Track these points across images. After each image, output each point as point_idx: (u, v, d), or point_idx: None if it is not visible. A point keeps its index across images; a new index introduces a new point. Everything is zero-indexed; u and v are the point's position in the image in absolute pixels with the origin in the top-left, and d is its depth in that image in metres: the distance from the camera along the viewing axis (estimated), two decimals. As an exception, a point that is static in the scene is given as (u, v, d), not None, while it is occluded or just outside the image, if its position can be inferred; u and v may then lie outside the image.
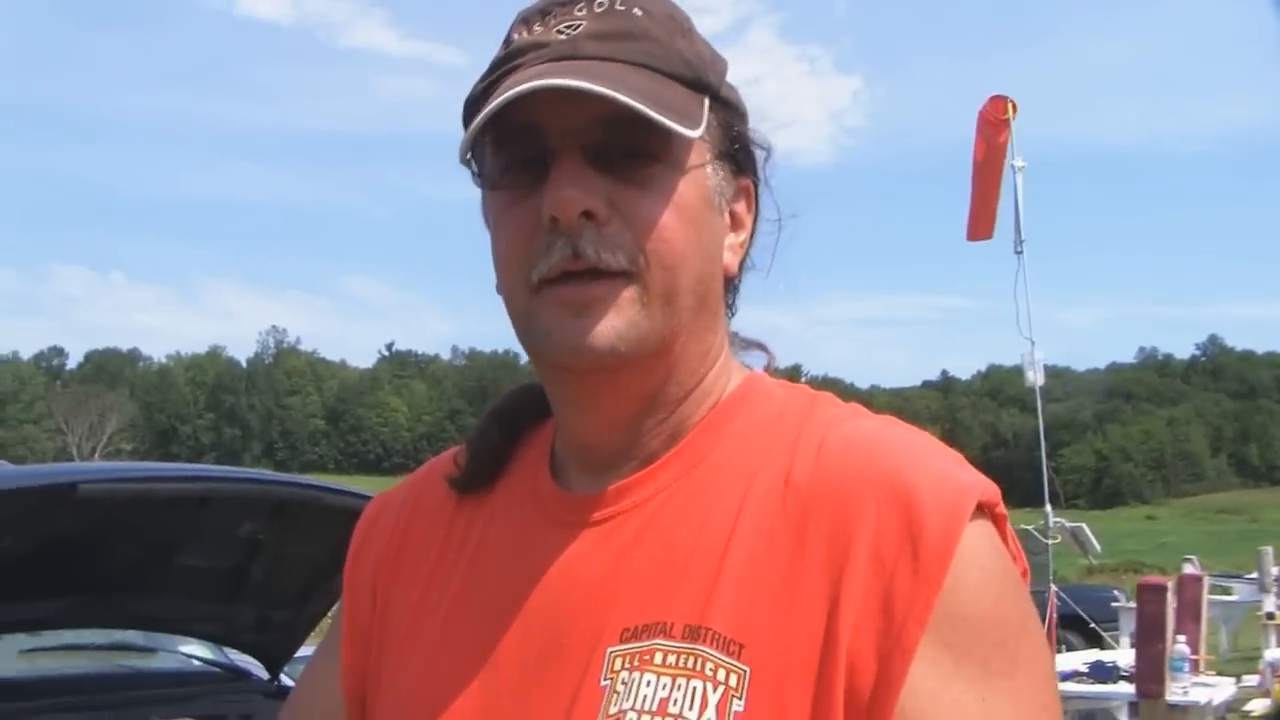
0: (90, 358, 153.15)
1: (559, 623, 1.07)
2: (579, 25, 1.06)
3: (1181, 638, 7.47)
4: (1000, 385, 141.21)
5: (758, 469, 1.06)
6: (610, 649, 1.03)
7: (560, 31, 1.06)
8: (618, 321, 1.04)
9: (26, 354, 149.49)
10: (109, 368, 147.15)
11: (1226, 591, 17.28)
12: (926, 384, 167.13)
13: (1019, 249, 10.05)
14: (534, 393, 1.23)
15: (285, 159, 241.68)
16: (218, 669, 4.45)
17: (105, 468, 3.76)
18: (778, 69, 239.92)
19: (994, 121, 10.14)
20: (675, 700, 0.98)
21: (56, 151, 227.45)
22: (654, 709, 0.98)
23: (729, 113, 1.14)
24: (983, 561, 0.98)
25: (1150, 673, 7.17)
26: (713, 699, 0.97)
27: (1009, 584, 0.99)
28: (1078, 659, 9.14)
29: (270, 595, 3.94)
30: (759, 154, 1.19)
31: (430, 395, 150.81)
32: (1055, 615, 9.57)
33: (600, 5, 1.08)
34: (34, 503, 3.03)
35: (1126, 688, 7.77)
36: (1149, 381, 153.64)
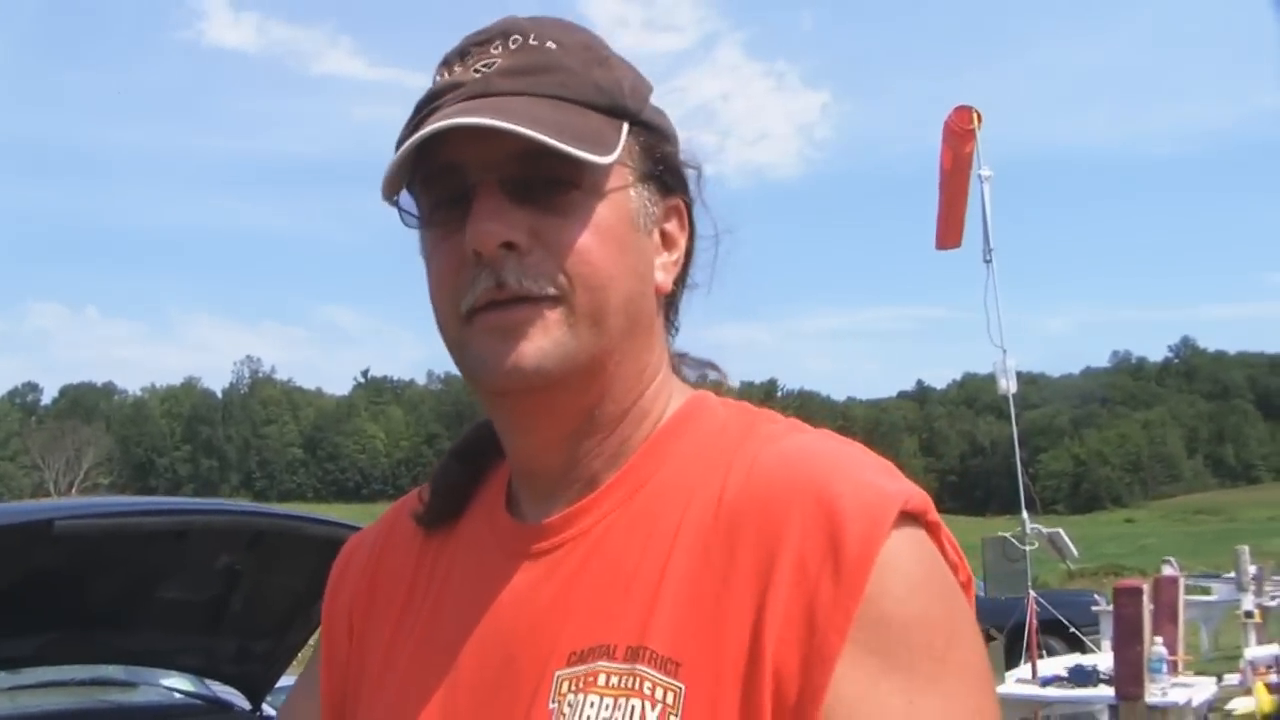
0: (65, 392, 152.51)
1: (511, 649, 1.09)
2: (494, 63, 1.09)
3: (1159, 639, 7.49)
4: (976, 393, 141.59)
5: (697, 488, 1.08)
6: (558, 672, 1.05)
7: (476, 71, 1.09)
8: (544, 342, 1.06)
9: (0, 391, 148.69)
10: (84, 402, 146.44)
11: (1206, 592, 17.39)
12: (903, 394, 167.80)
13: (988, 258, 10.09)
14: (494, 428, 1.25)
15: (257, 188, 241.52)
16: (200, 701, 4.45)
17: (81, 504, 3.77)
18: (745, 85, 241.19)
19: (959, 131, 10.18)
20: None
21: (29, 188, 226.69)
22: None
23: (652, 135, 1.15)
24: (907, 568, 0.98)
25: (1129, 675, 7.20)
26: (651, 716, 0.99)
27: (937, 589, 1.00)
28: (1058, 664, 9.16)
29: (250, 626, 3.94)
30: (690, 174, 1.21)
31: (407, 421, 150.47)
32: (1035, 621, 9.59)
33: (515, 42, 1.11)
34: (11, 541, 3.04)
35: (1107, 691, 7.78)
36: (1124, 385, 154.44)
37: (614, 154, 1.07)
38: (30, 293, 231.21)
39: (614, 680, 1.02)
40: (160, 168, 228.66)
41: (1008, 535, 10.21)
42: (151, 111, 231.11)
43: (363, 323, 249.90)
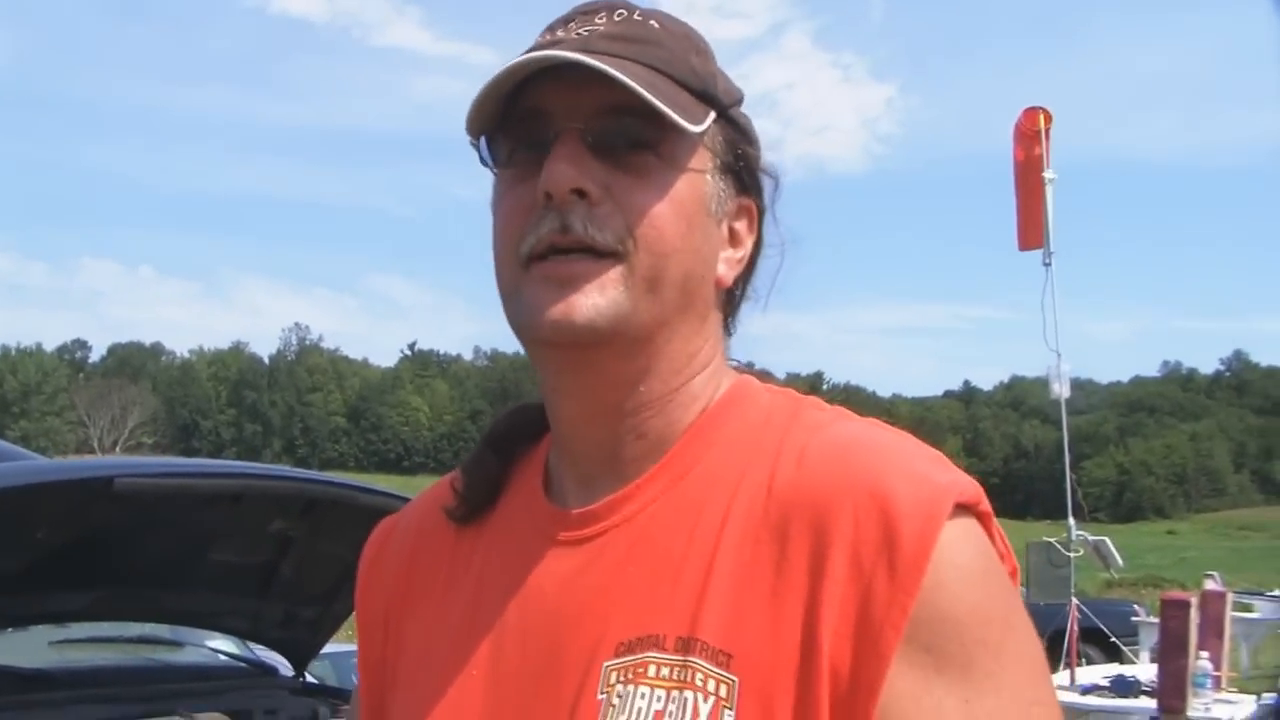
0: (113, 351, 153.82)
1: (557, 638, 1.08)
2: (596, 29, 1.10)
3: (1204, 654, 7.45)
4: (1023, 396, 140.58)
5: (743, 476, 1.07)
6: (606, 663, 1.04)
7: (577, 34, 1.10)
8: (599, 299, 1.05)
9: (50, 346, 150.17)
10: (132, 361, 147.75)
11: (1248, 609, 17.23)
12: (949, 394, 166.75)
13: (1047, 261, 10.05)
14: (526, 414, 1.26)
15: (317, 156, 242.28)
16: (243, 664, 4.48)
17: (141, 463, 3.79)
18: (811, 75, 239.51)
19: (1029, 133, 10.14)
20: (669, 713, 0.99)
21: (92, 145, 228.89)
22: None
23: (736, 132, 1.17)
24: (961, 561, 0.98)
25: (1172, 688, 7.15)
26: (704, 709, 0.98)
27: (991, 582, 1.00)
28: (1098, 673, 9.13)
29: (298, 592, 3.96)
30: (767, 182, 1.21)
31: (452, 395, 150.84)
32: (1076, 628, 9.54)
33: (620, 15, 1.12)
34: (71, 496, 3.06)
35: (1148, 703, 7.75)
36: (1172, 395, 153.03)
37: (700, 127, 1.08)
38: (88, 250, 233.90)
39: (665, 672, 1.01)
40: (222, 131, 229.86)
41: (1053, 541, 10.16)
42: (215, 75, 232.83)
43: (412, 295, 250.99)
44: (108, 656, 4.34)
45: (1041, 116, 10.11)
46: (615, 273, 1.06)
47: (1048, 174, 9.99)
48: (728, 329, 1.21)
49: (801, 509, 1.02)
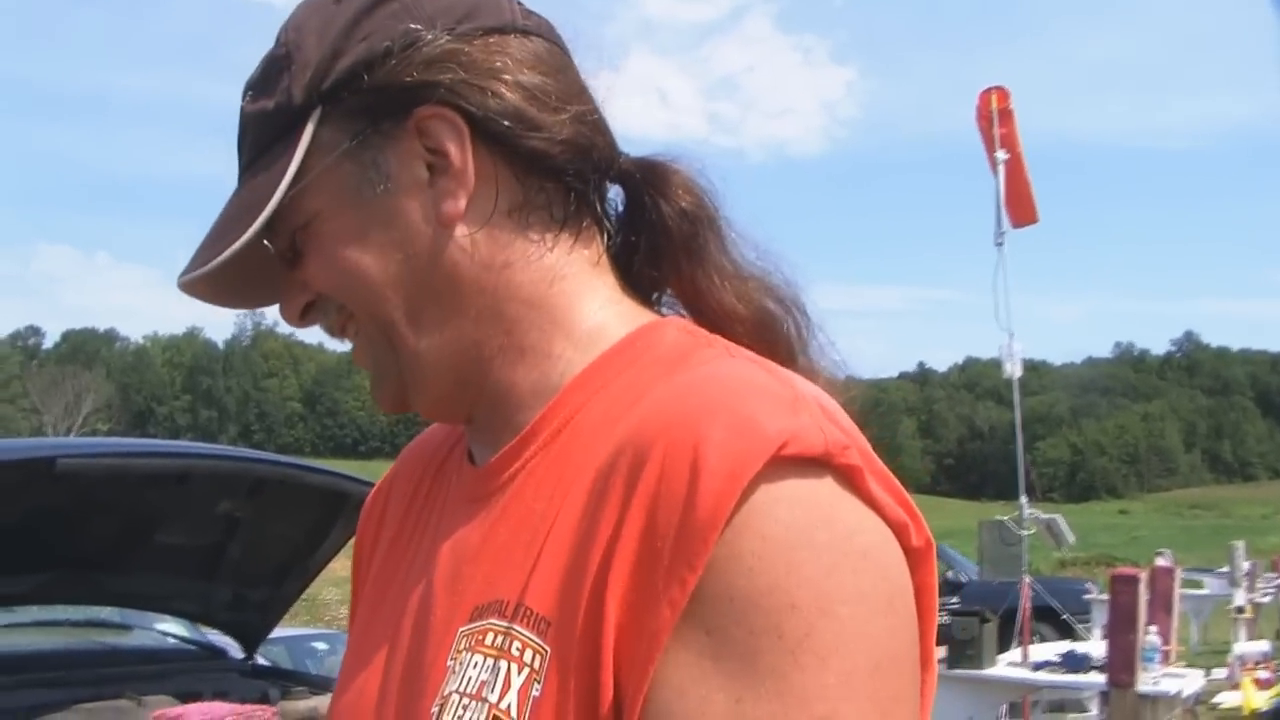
0: (67, 337, 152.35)
1: (435, 600, 1.03)
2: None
3: (1153, 629, 7.50)
4: (977, 378, 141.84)
5: (614, 426, 0.94)
6: (460, 628, 0.97)
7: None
8: (371, 370, 1.08)
9: (2, 333, 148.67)
10: (86, 348, 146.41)
11: (1197, 585, 17.40)
12: (904, 375, 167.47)
13: (999, 241, 10.07)
14: None
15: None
16: (193, 647, 4.46)
17: (84, 443, 3.76)
18: (773, 58, 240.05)
19: (988, 114, 10.17)
20: (489, 683, 0.91)
21: (44, 129, 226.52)
22: (474, 691, 0.92)
23: (351, 88, 1.00)
24: (769, 530, 0.81)
25: (1121, 662, 7.20)
26: (516, 682, 0.89)
27: (810, 559, 0.81)
28: (1050, 650, 9.19)
29: (246, 574, 3.95)
30: (439, 71, 0.99)
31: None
32: (1030, 606, 9.60)
33: (246, 97, 1.07)
34: (12, 477, 3.03)
35: (1098, 678, 7.80)
36: (1125, 376, 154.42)
37: (264, 213, 1.00)
38: (45, 236, 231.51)
39: (497, 640, 0.92)
40: (175, 115, 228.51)
41: (1005, 519, 10.22)
42: (171, 57, 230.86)
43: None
44: (55, 640, 4.31)
45: (994, 97, 10.14)
46: (362, 340, 1.06)
47: (999, 154, 10.02)
48: (552, 235, 1.04)
49: (625, 458, 0.88)
